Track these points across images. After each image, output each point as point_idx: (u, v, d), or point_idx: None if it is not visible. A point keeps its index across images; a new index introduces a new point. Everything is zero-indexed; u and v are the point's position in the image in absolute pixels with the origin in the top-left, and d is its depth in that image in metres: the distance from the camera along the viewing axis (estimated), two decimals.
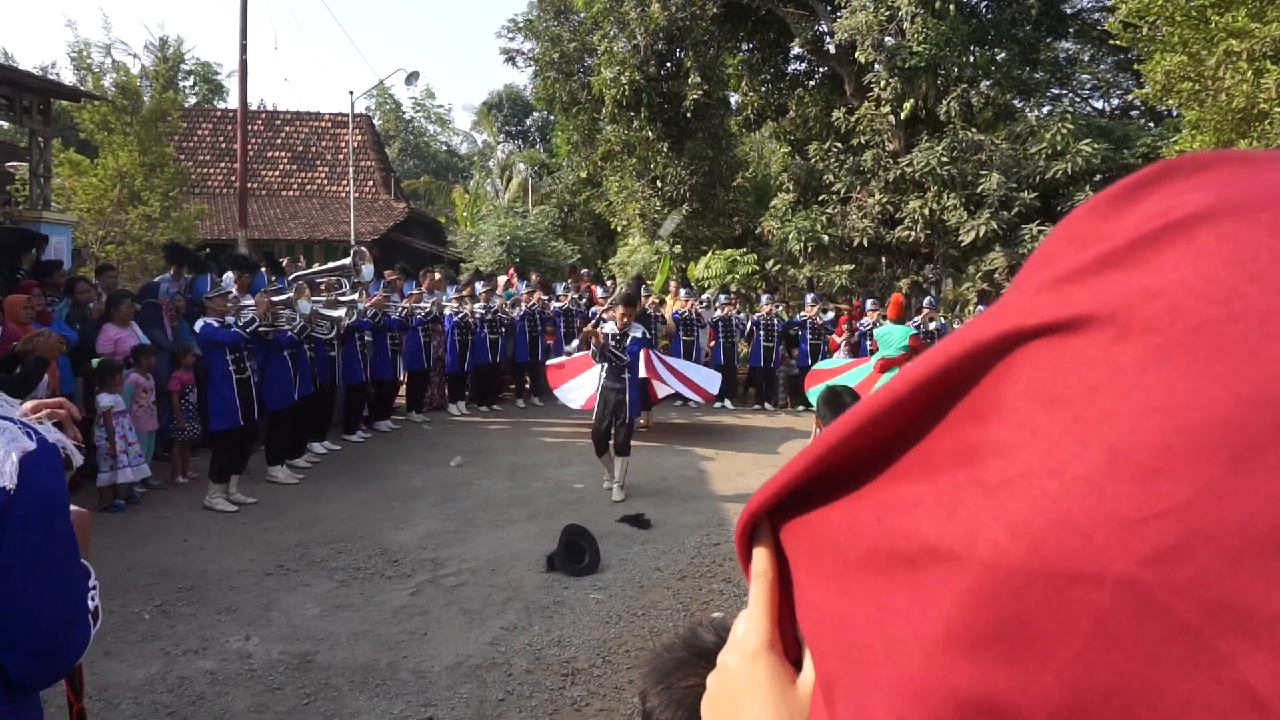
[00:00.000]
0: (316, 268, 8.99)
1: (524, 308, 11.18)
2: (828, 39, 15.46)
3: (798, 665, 0.40)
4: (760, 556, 0.39)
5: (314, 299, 7.56)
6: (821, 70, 17.19)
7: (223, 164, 19.60)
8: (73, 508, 1.24)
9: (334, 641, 4.09)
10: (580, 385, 9.04)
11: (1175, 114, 13.12)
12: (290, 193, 19.90)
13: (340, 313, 7.78)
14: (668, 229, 14.84)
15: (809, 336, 11.89)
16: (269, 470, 7.09)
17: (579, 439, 7.50)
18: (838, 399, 3.61)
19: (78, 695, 1.43)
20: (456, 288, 11.15)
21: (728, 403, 11.74)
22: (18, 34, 61.10)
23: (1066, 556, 0.23)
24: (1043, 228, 13.03)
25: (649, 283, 14.03)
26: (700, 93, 15.35)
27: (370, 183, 19.68)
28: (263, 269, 8.08)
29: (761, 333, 11.85)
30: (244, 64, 13.30)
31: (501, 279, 12.46)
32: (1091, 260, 0.27)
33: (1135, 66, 11.80)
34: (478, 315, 10.50)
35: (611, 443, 6.89)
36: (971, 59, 15.08)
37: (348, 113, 18.22)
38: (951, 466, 0.28)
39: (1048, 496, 0.24)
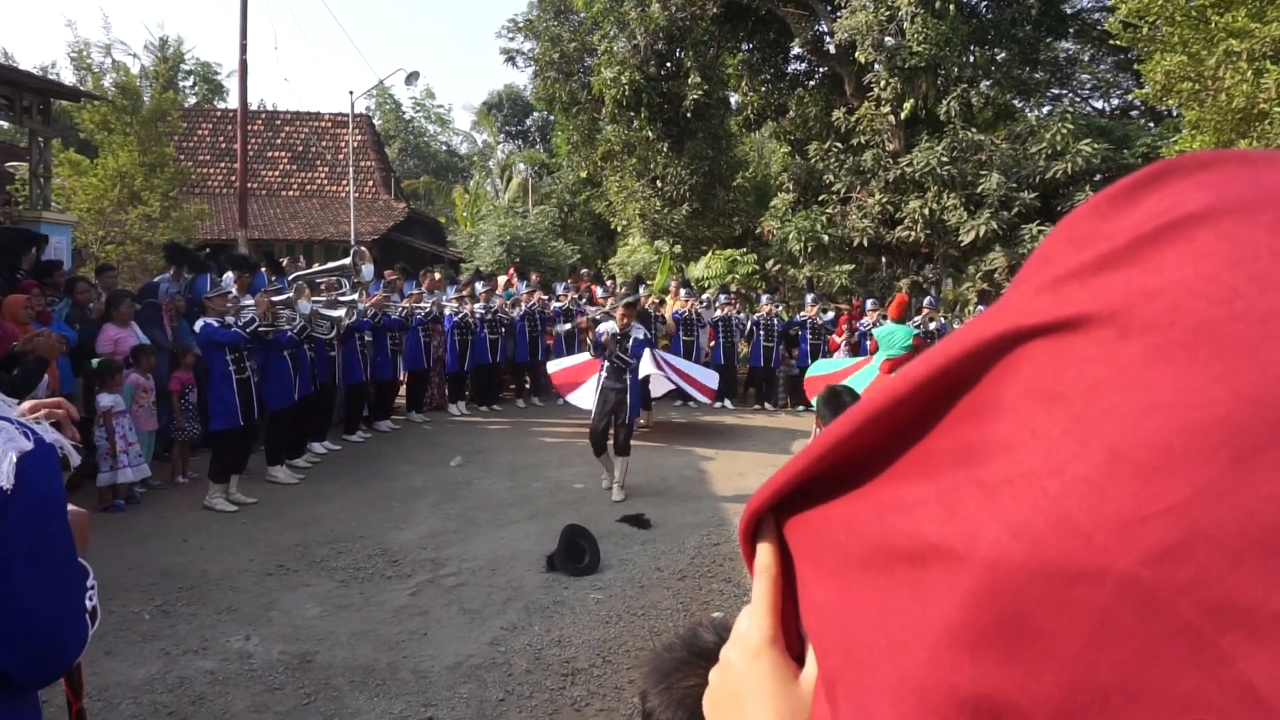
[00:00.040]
0: (316, 268, 8.99)
1: (524, 308, 11.18)
2: (828, 39, 15.45)
3: (801, 661, 0.40)
4: (764, 552, 0.39)
5: (314, 299, 7.56)
6: (821, 70, 17.19)
7: (223, 164, 19.60)
8: (71, 507, 1.24)
9: (334, 641, 4.09)
10: (589, 386, 9.10)
11: (1175, 114, 13.12)
12: (290, 193, 19.90)
13: (340, 313, 7.78)
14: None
15: (809, 336, 11.90)
16: (269, 470, 7.09)
17: (579, 439, 7.51)
18: (838, 399, 3.61)
19: (77, 695, 1.43)
20: (456, 288, 11.15)
21: (728, 403, 11.75)
22: (18, 34, 61.17)
23: (1067, 556, 0.23)
24: (1043, 228, 13.03)
25: (649, 283, 14.03)
26: (700, 93, 15.35)
27: (370, 183, 19.68)
28: (263, 269, 8.08)
29: (761, 333, 11.85)
30: (244, 64, 13.30)
31: (501, 279, 12.47)
32: (1092, 260, 0.27)
33: (1135, 66, 11.80)
34: (478, 315, 10.51)
35: (611, 443, 6.89)
36: (971, 59, 15.07)
37: (348, 113, 18.22)
38: (952, 466, 0.28)
39: (1048, 496, 0.24)
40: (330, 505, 6.42)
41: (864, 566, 0.30)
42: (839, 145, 15.35)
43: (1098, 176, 13.27)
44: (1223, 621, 0.21)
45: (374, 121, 25.96)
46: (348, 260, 8.11)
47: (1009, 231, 13.49)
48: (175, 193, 12.85)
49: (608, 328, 6.88)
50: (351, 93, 39.91)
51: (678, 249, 16.54)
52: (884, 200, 14.60)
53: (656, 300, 12.25)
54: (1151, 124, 15.59)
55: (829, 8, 15.17)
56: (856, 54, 13.98)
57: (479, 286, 10.94)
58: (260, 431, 7.16)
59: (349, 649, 4.01)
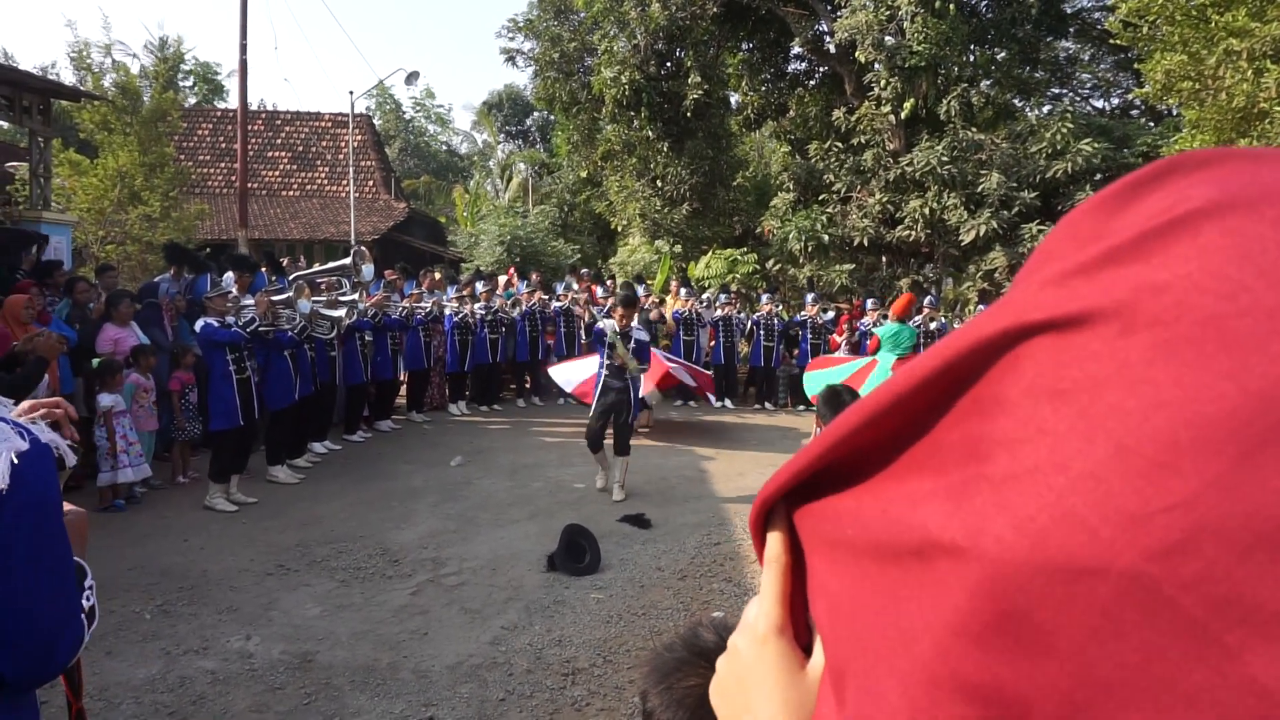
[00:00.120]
0: (316, 268, 9.00)
1: (524, 307, 11.18)
2: (828, 38, 15.45)
3: (808, 651, 0.40)
4: (774, 542, 0.39)
5: (314, 299, 7.56)
6: (821, 70, 17.19)
7: (223, 164, 19.61)
8: (70, 507, 1.24)
9: (335, 641, 4.09)
10: (576, 368, 9.17)
11: (1175, 113, 13.12)
12: (290, 193, 19.90)
13: (340, 312, 7.78)
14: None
15: (809, 336, 11.90)
16: (269, 470, 7.09)
17: (579, 439, 7.50)
18: (838, 398, 3.61)
19: (77, 695, 1.43)
20: (457, 287, 11.16)
21: (728, 403, 11.75)
22: (18, 34, 61.21)
23: (1071, 551, 0.23)
24: (1043, 227, 13.03)
25: (649, 282, 14.03)
26: (700, 92, 15.35)
27: (370, 183, 19.69)
28: (263, 269, 8.09)
29: (762, 332, 11.85)
30: (244, 64, 13.30)
31: (502, 279, 12.47)
32: (1096, 256, 0.27)
33: (1135, 66, 11.80)
34: (478, 315, 10.51)
35: (610, 443, 6.88)
36: (971, 58, 15.07)
37: (348, 113, 18.22)
38: (957, 461, 0.28)
39: (1053, 492, 0.24)
40: (331, 505, 6.42)
41: (873, 558, 0.31)
42: (839, 145, 15.35)
43: (1098, 176, 13.27)
44: (1229, 617, 0.21)
45: (374, 121, 25.95)
46: (348, 260, 8.11)
47: (1009, 231, 13.49)
48: (175, 193, 12.85)
49: (609, 325, 6.87)
50: (351, 93, 39.93)
51: (678, 249, 16.54)
52: (884, 200, 14.60)
53: (657, 299, 12.25)
54: (1152, 123, 15.58)
55: (829, 7, 15.17)
56: (857, 53, 13.98)
57: (479, 286, 10.95)
58: (260, 431, 7.16)
59: (349, 649, 4.01)
